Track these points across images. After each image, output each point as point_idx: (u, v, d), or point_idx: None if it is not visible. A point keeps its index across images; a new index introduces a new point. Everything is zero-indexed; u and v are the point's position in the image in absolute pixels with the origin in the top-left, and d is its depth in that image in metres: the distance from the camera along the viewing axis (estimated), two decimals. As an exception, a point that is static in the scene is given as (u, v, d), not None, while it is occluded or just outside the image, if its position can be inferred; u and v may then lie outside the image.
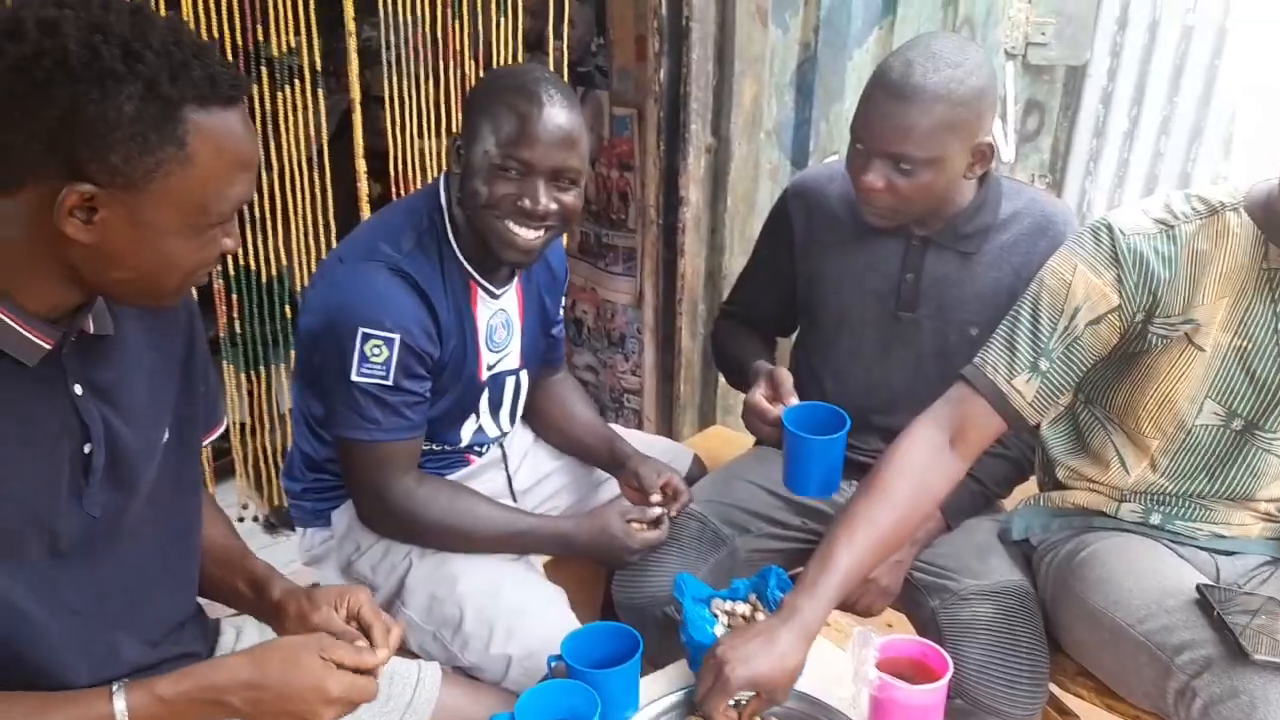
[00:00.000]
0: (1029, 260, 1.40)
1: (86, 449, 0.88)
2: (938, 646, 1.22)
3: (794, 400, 1.40)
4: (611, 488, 1.57)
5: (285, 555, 1.81)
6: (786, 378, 1.42)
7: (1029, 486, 1.55)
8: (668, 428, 2.38)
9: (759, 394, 1.42)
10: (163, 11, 1.58)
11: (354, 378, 1.26)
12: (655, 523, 1.42)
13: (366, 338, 1.24)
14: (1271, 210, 1.14)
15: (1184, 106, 2.64)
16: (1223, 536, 1.30)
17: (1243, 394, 1.21)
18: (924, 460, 1.21)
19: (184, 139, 0.78)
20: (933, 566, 1.45)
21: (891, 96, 1.30)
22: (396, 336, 1.25)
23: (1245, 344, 1.18)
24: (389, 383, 1.27)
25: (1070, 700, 1.45)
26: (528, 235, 1.28)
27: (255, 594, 1.07)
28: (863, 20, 2.22)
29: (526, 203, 1.25)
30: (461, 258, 1.35)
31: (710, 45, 2.05)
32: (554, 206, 1.27)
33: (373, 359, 1.25)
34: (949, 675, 1.15)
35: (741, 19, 2.03)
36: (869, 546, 1.16)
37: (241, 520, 2.30)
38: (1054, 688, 1.41)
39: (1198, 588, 1.13)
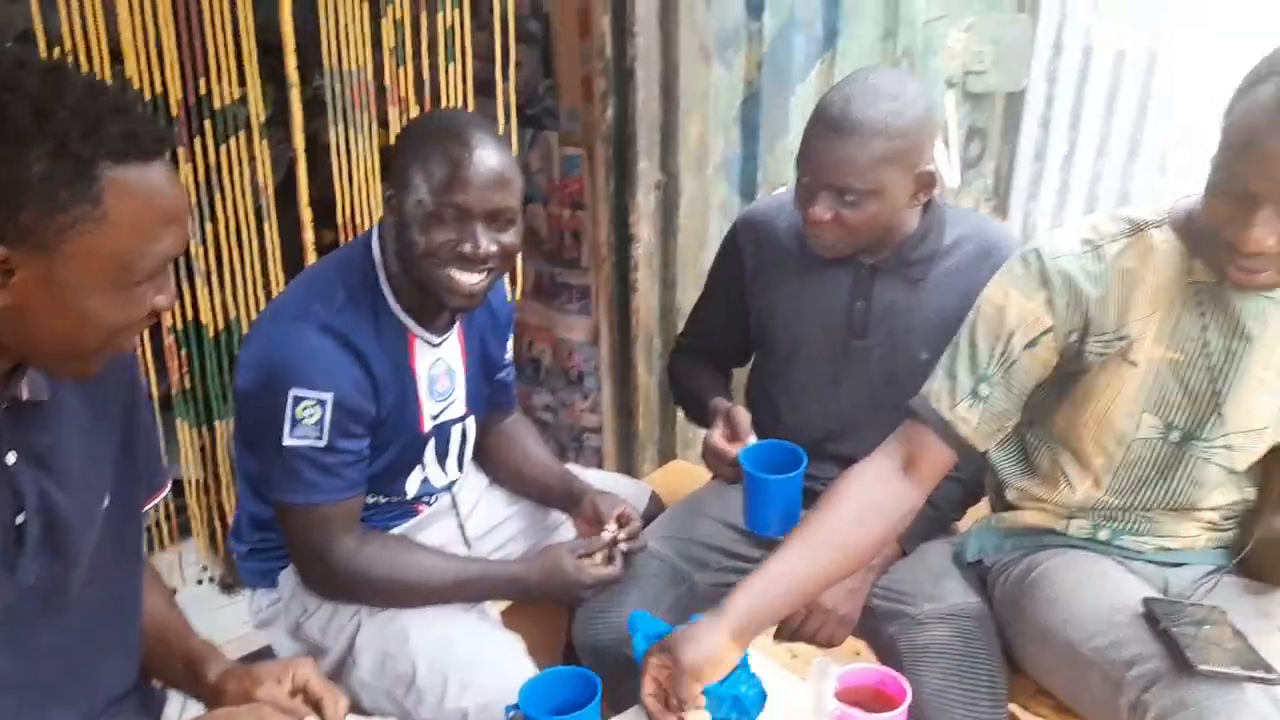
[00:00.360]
0: (975, 285, 1.42)
1: (19, 519, 0.86)
2: (896, 674, 1.23)
3: (752, 439, 1.41)
4: (568, 530, 1.56)
5: (241, 616, 1.78)
6: (744, 417, 1.44)
7: (982, 507, 1.57)
8: (628, 464, 2.38)
9: (717, 435, 1.43)
10: (106, 65, 1.60)
11: (286, 441, 1.24)
12: (609, 558, 1.40)
13: (298, 400, 1.22)
14: (1194, 226, 1.18)
15: (1119, 128, 2.71)
16: (1169, 549, 1.33)
17: (1178, 405, 1.23)
18: (871, 482, 1.23)
19: (99, 196, 0.77)
20: (890, 592, 1.46)
21: (832, 131, 1.33)
22: (329, 396, 1.23)
23: (1177, 356, 1.21)
24: (323, 444, 1.25)
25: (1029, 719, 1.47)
26: (471, 280, 1.28)
27: (192, 675, 1.04)
28: (804, 56, 2.27)
29: (466, 248, 1.25)
30: (397, 309, 1.34)
31: (655, 84, 2.08)
32: (494, 248, 1.27)
33: (305, 421, 1.23)
34: (907, 702, 1.16)
35: (685, 58, 2.07)
36: (803, 553, 1.18)
37: (200, 582, 2.25)
38: (1013, 707, 1.42)
39: (1144, 601, 1.14)
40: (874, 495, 1.22)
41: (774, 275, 1.56)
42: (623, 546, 1.42)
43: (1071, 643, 1.18)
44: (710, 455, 1.44)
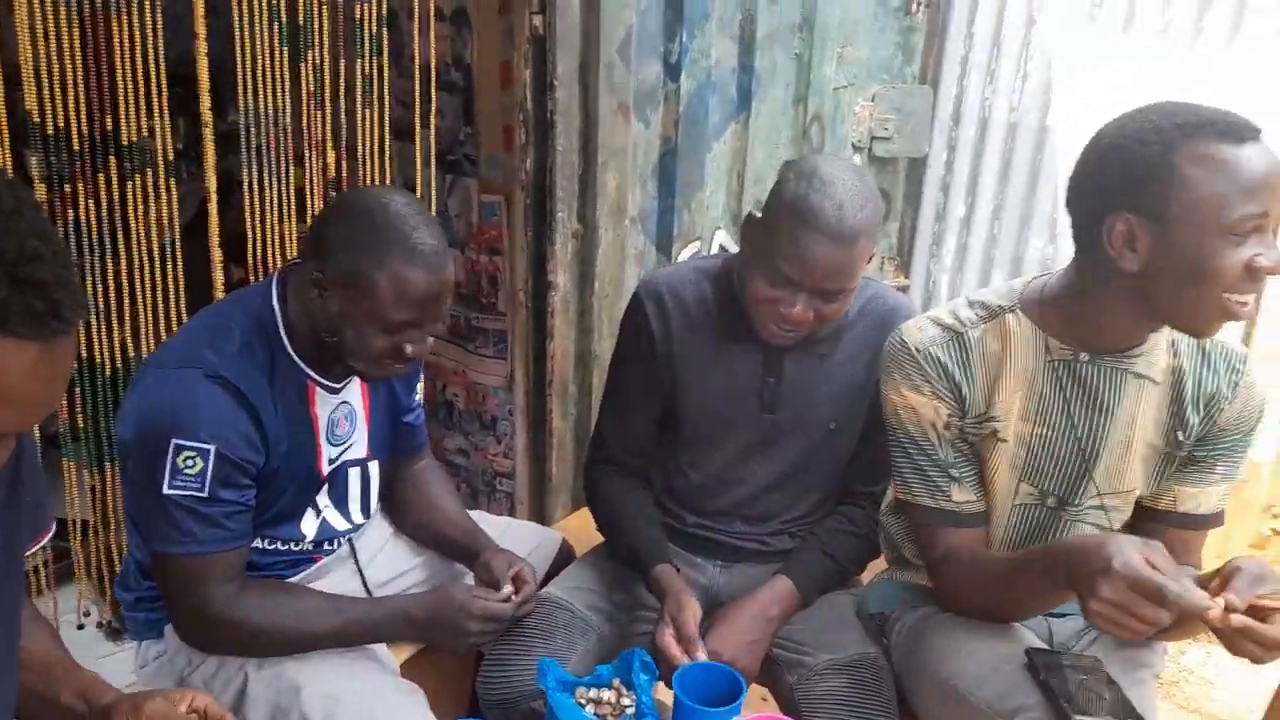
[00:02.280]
0: (878, 353, 1.47)
1: None
2: (793, 722, 1.25)
3: (701, 655, 1.36)
4: (471, 582, 1.55)
5: (127, 664, 1.70)
6: (691, 621, 1.38)
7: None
8: (540, 510, 2.37)
9: (668, 636, 1.38)
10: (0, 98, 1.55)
11: (166, 491, 1.20)
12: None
13: (179, 449, 1.20)
14: (1044, 307, 1.27)
15: (1013, 195, 2.88)
16: (1054, 601, 1.40)
17: (1050, 474, 1.31)
18: (966, 563, 1.32)
19: None
20: (790, 642, 1.49)
21: (830, 240, 1.32)
22: (212, 447, 1.21)
23: (1045, 432, 1.29)
24: (204, 495, 1.22)
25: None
26: (403, 370, 1.33)
27: (85, 704, 1.00)
28: (720, 116, 2.35)
29: (410, 349, 1.28)
30: (296, 358, 1.33)
31: (575, 137, 2.12)
32: (427, 347, 1.32)
33: (185, 471, 1.20)
34: (804, 752, 1.19)
35: (604, 113, 2.12)
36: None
37: (82, 627, 2.14)
38: (911, 756, 1.46)
39: (1027, 652, 1.20)
40: (972, 552, 1.31)
41: (683, 347, 1.54)
42: (510, 609, 1.40)
43: (960, 692, 1.23)
44: (660, 657, 1.37)
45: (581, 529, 1.90)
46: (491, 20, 2.27)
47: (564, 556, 1.70)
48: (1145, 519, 1.35)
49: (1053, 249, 2.85)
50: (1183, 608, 0.99)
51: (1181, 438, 1.28)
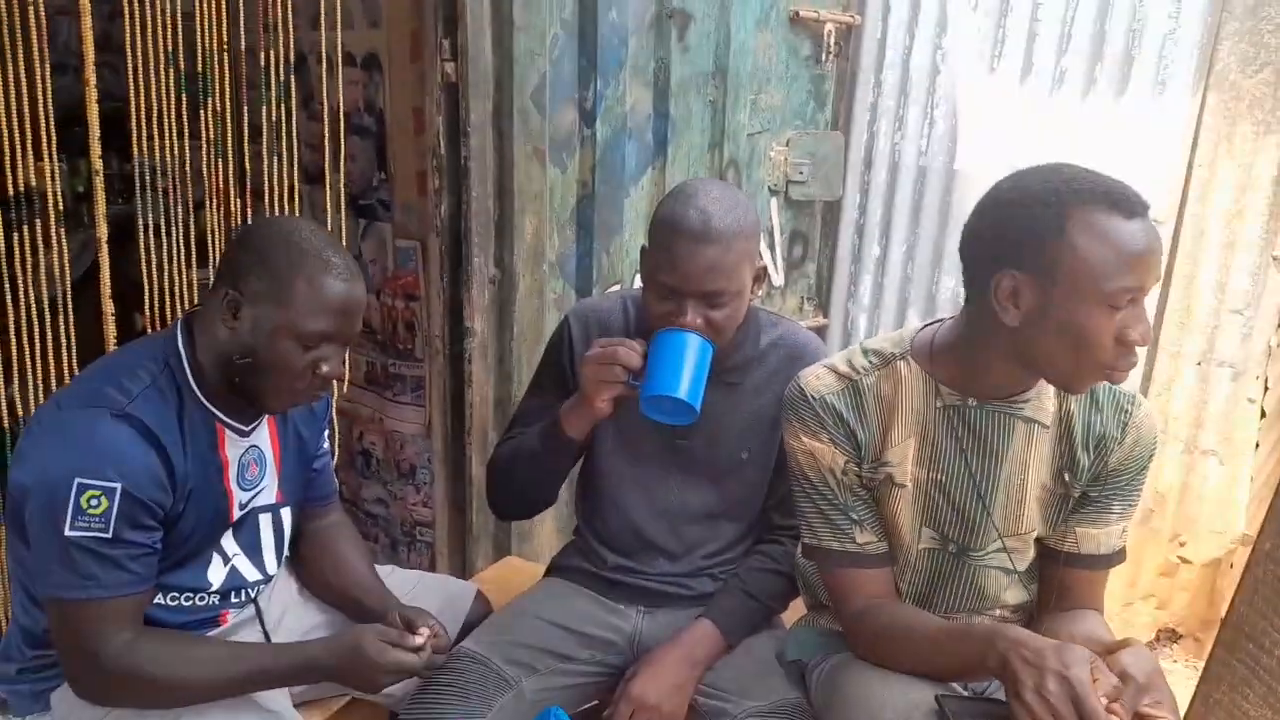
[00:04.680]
0: (786, 387, 1.51)
1: None
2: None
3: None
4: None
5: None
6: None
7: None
8: (461, 559, 2.32)
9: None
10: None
11: (68, 532, 1.16)
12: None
13: (83, 488, 1.16)
14: (934, 354, 1.29)
15: (925, 236, 2.96)
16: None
17: (949, 520, 1.33)
18: (886, 611, 1.32)
19: None
20: (714, 690, 1.47)
21: (698, 242, 1.37)
22: (118, 485, 1.17)
23: (941, 477, 1.31)
24: (108, 535, 1.18)
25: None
26: (317, 396, 1.34)
27: None
28: (637, 162, 2.37)
29: (325, 368, 1.29)
30: (205, 400, 1.31)
31: (490, 182, 2.11)
32: (342, 369, 1.34)
33: (89, 511, 1.16)
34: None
35: (520, 158, 2.11)
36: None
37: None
38: (833, 802, 1.45)
39: (936, 699, 1.20)
40: (894, 613, 1.31)
41: None
42: (419, 661, 1.35)
43: (874, 739, 1.22)
44: (605, 357, 1.39)
45: (503, 580, 1.86)
46: (403, 65, 2.26)
47: (479, 610, 1.66)
48: (1050, 561, 1.37)
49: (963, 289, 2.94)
50: None
51: (1070, 479, 1.31)
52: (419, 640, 1.33)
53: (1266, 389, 2.59)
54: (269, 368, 1.26)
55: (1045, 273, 1.12)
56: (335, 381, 1.35)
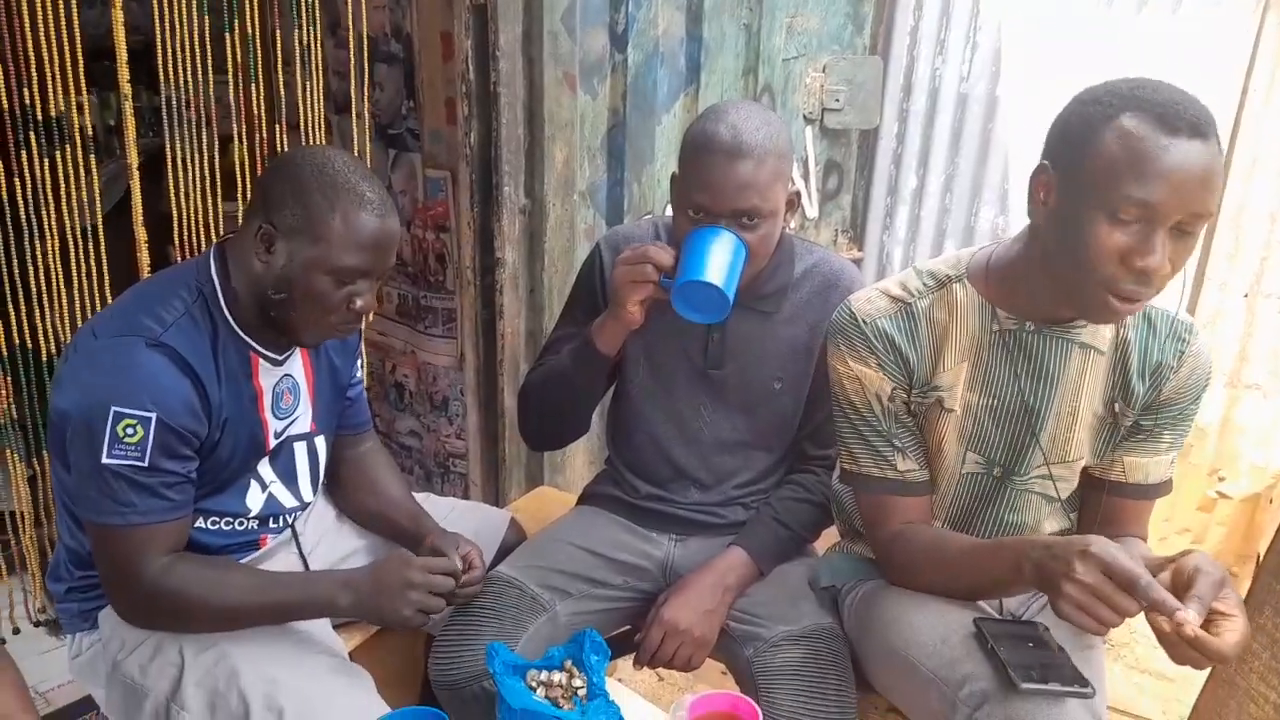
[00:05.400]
0: (822, 316, 1.48)
1: None
2: (748, 698, 1.24)
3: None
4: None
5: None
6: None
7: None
8: (494, 490, 2.34)
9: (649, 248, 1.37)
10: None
11: (105, 460, 1.17)
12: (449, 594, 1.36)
13: (119, 417, 1.17)
14: (990, 277, 1.26)
15: (964, 166, 2.88)
16: (1003, 569, 1.40)
17: (996, 444, 1.31)
18: (917, 533, 1.32)
19: None
20: (746, 615, 1.48)
21: (731, 158, 1.34)
22: (153, 415, 1.18)
23: (992, 401, 1.29)
24: (144, 464, 1.19)
25: (882, 736, 1.51)
26: (349, 330, 1.33)
27: None
28: (668, 88, 2.32)
29: (358, 302, 1.28)
30: (239, 329, 1.31)
31: (520, 109, 2.08)
32: (372, 304, 1.33)
33: (126, 440, 1.17)
34: (759, 725, 1.18)
35: (550, 85, 2.07)
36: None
37: (38, 624, 2.08)
38: (865, 725, 1.47)
39: (974, 621, 1.20)
40: (928, 534, 1.30)
41: None
42: (451, 583, 1.37)
43: (911, 662, 1.23)
44: (638, 257, 1.36)
45: (536, 509, 1.88)
46: (431, -12, 2.21)
47: (514, 536, 1.68)
48: (1095, 489, 1.35)
49: (1004, 220, 2.87)
50: (1151, 601, 0.98)
51: (1123, 407, 1.28)
52: (454, 563, 1.35)
53: (1317, 322, 2.52)
54: (303, 302, 1.26)
55: (1072, 170, 1.10)
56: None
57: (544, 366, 1.60)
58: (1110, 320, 1.19)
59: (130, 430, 1.17)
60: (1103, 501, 1.33)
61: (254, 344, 1.32)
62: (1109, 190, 1.06)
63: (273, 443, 1.38)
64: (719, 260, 1.33)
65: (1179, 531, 2.73)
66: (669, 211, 2.52)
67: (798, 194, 1.46)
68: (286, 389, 1.39)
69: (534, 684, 1.27)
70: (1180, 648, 0.99)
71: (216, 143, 1.87)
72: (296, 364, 1.41)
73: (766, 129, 1.36)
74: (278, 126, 1.90)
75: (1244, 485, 2.65)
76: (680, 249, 1.37)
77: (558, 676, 1.28)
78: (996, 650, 1.13)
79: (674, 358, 1.55)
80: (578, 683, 1.28)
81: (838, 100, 2.74)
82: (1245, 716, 1.24)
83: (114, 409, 1.17)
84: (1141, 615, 1.02)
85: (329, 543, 1.55)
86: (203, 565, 1.29)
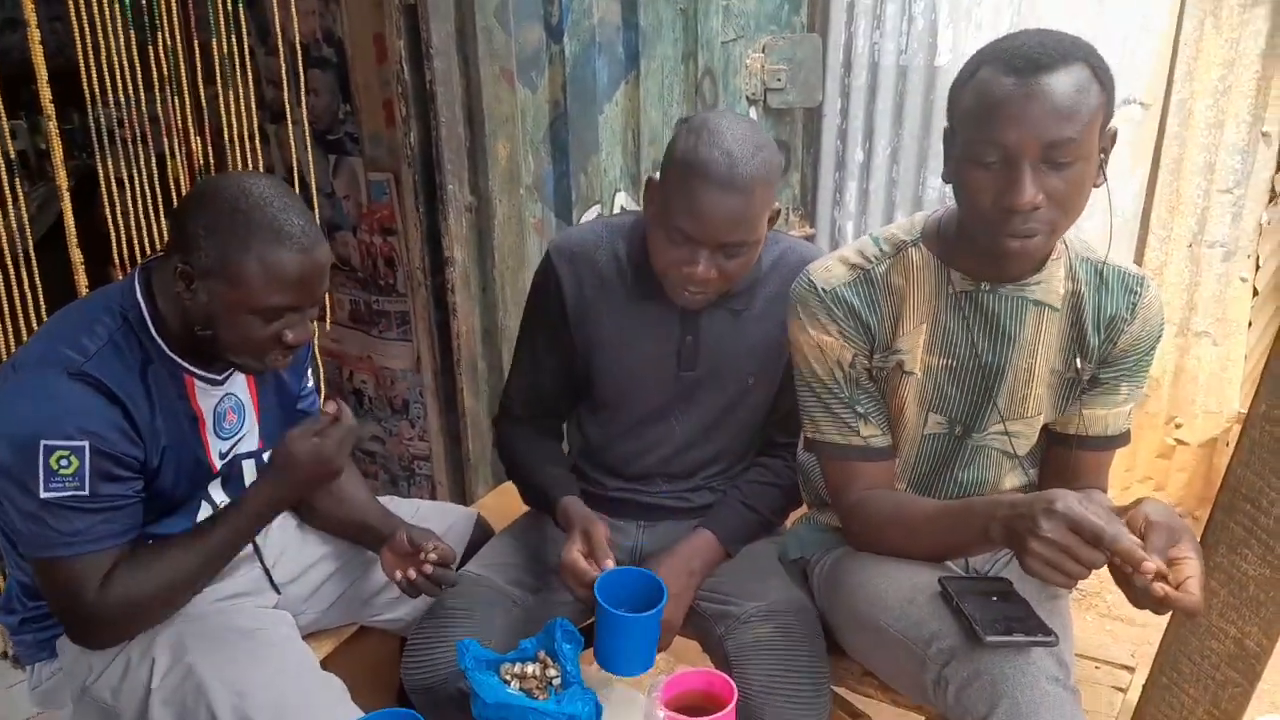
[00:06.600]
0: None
1: None
2: (723, 674, 1.25)
3: (610, 564, 1.34)
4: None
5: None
6: (601, 533, 1.38)
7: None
8: (460, 490, 2.33)
9: (575, 551, 1.36)
10: None
11: (44, 495, 1.14)
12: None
13: (50, 450, 1.13)
14: (944, 239, 1.27)
15: (908, 138, 2.90)
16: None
17: (956, 404, 1.33)
18: (882, 496, 1.34)
19: None
20: (715, 594, 1.49)
21: (722, 190, 1.29)
22: (85, 444, 1.15)
23: (950, 362, 1.30)
24: (86, 493, 1.16)
25: (859, 700, 1.53)
26: (283, 361, 1.28)
27: None
28: (608, 77, 2.31)
29: (290, 335, 1.24)
30: (171, 353, 1.27)
31: (458, 107, 2.05)
32: (307, 335, 1.28)
33: (61, 472, 1.14)
34: (735, 701, 1.18)
35: (487, 81, 2.05)
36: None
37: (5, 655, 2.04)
38: (843, 690, 1.48)
39: (939, 580, 1.21)
40: (892, 499, 1.33)
41: (597, 308, 1.51)
42: (427, 569, 1.39)
43: (879, 624, 1.24)
44: (568, 574, 1.36)
45: (503, 506, 1.87)
46: (360, -9, 2.19)
47: (480, 534, 1.67)
48: (1055, 444, 1.37)
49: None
50: (1117, 553, 1.01)
51: (1082, 363, 1.30)
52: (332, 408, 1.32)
53: (1258, 267, 2.57)
54: (230, 339, 1.22)
55: (952, 127, 1.17)
56: (326, 319, 1.32)
57: (521, 461, 1.60)
58: (1017, 264, 1.22)
59: (64, 462, 1.14)
60: (1063, 455, 1.35)
61: (188, 366, 1.29)
62: (969, 140, 1.12)
63: (219, 464, 1.35)
64: (634, 645, 1.31)
65: (1141, 480, 2.78)
66: (618, 203, 2.52)
67: (778, 211, 1.42)
68: (229, 408, 1.36)
69: (508, 677, 1.27)
70: (1136, 592, 1.03)
71: (154, 159, 1.82)
72: (239, 382, 1.38)
73: (760, 155, 1.31)
74: (210, 140, 1.87)
75: (1200, 431, 2.70)
76: (597, 624, 1.32)
77: (531, 668, 1.28)
78: (961, 607, 1.15)
79: (646, 362, 1.52)
80: (552, 673, 1.28)
81: (779, 80, 2.74)
82: (1207, 651, 1.26)
83: (44, 442, 1.13)
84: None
85: (292, 554, 1.53)
86: (135, 565, 1.25)
